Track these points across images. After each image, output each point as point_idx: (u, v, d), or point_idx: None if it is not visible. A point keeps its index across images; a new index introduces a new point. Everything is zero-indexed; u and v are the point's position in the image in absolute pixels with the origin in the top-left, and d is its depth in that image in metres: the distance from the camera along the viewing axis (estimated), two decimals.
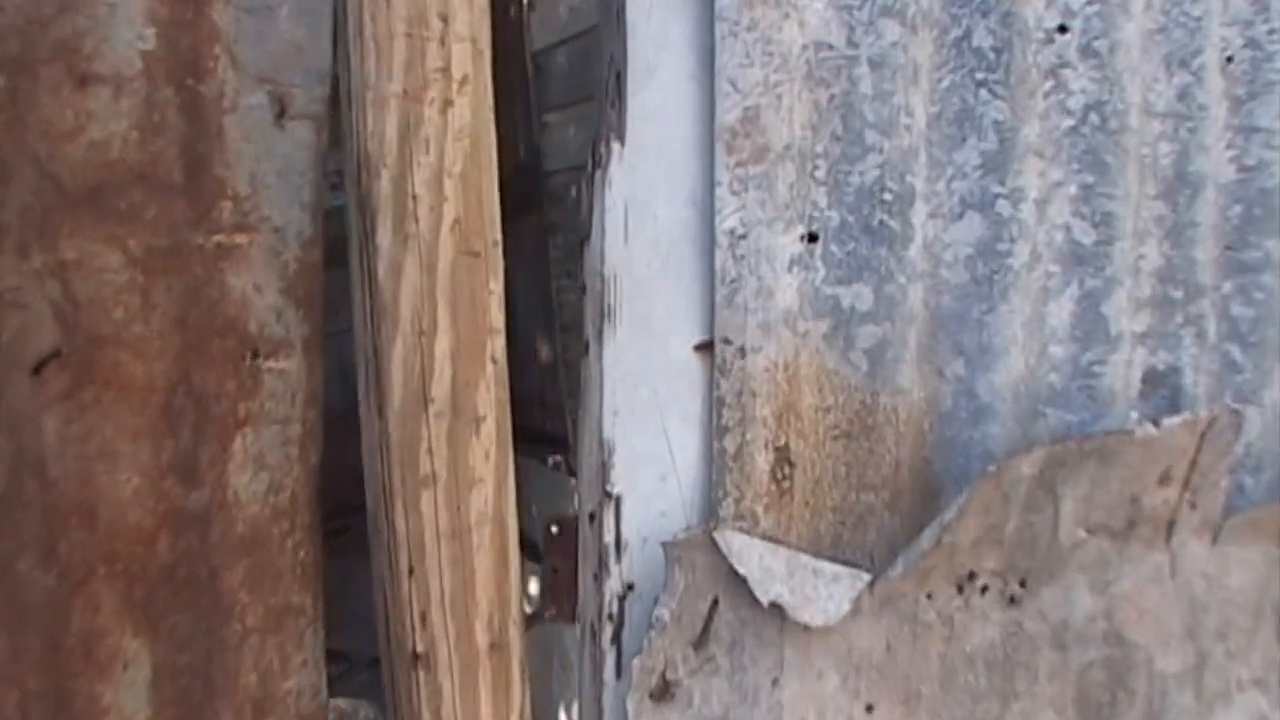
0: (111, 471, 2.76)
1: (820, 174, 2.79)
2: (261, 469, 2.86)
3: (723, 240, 2.74)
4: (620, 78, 2.75)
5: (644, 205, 2.75)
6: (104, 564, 2.82)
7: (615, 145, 2.72)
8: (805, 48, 2.78)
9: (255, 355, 2.79)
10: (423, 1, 2.64)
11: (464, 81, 2.64)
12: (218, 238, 2.75)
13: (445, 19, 2.65)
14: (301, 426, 2.86)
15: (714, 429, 2.78)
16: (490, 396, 2.74)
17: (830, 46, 2.78)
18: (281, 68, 2.71)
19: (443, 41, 2.64)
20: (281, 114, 2.71)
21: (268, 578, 2.99)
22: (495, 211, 2.71)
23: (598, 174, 2.72)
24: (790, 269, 2.78)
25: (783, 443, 2.81)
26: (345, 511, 3.15)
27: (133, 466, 2.79)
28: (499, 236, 2.71)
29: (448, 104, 2.64)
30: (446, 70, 2.64)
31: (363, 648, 3.19)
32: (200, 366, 2.81)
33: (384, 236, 2.64)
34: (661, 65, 2.77)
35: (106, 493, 2.77)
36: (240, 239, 2.77)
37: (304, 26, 2.68)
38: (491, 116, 2.69)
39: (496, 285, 2.71)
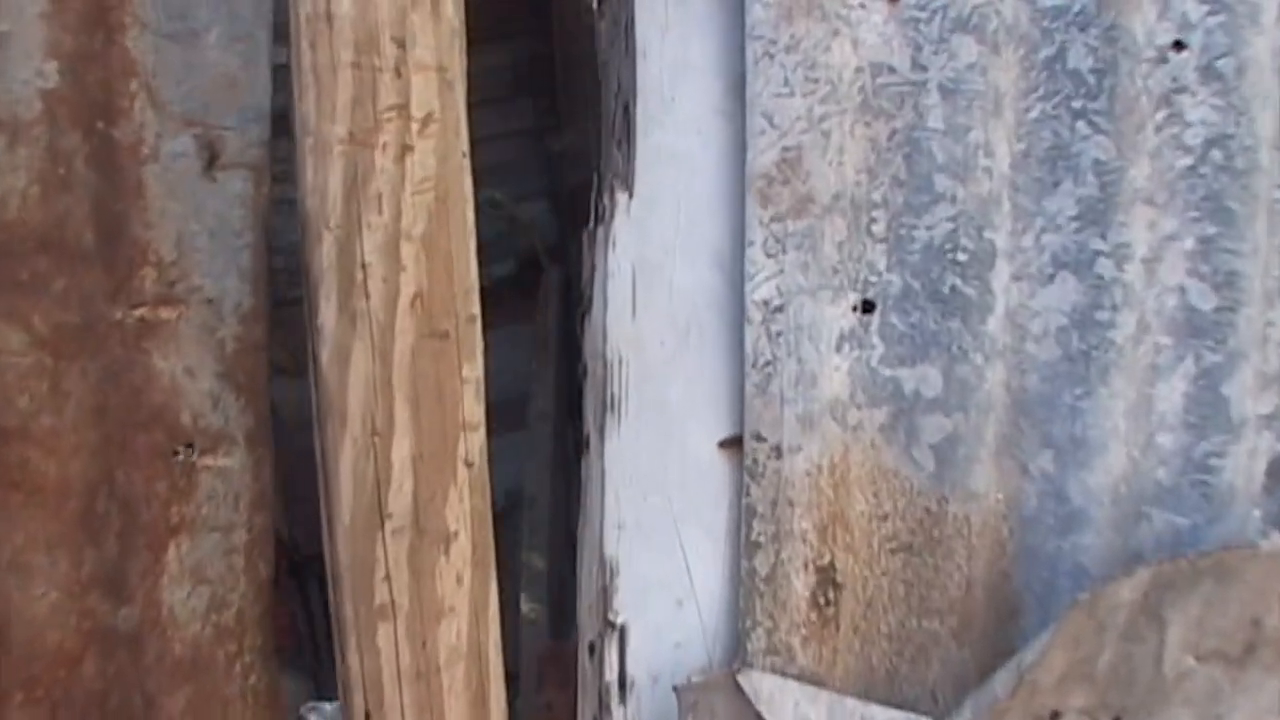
0: (25, 586, 2.30)
1: (878, 229, 2.09)
2: (201, 583, 2.27)
3: (755, 313, 2.06)
4: (629, 111, 2.06)
5: (657, 270, 2.07)
6: (21, 690, 2.34)
7: (621, 196, 2.04)
8: (860, 71, 2.07)
9: (189, 451, 2.19)
10: (373, 22, 1.95)
11: (427, 121, 1.96)
12: (140, 312, 2.13)
13: (402, 43, 1.97)
14: (247, 534, 2.22)
15: (742, 545, 2.11)
16: (463, 508, 2.07)
17: (891, 70, 2.08)
18: (211, 106, 2.05)
19: (398, 72, 1.97)
20: (212, 162, 2.06)
21: (213, 707, 2.35)
22: (471, 281, 2.04)
23: (599, 231, 2.05)
24: (839, 347, 2.09)
25: (826, 560, 2.13)
26: None
27: (50, 580, 2.31)
28: (476, 311, 2.03)
29: (405, 150, 1.97)
30: (404, 108, 1.97)
31: None
32: (125, 464, 2.32)
33: (327, 315, 1.98)
34: (680, 96, 2.07)
35: (20, 609, 2.30)
36: (166, 313, 2.13)
37: (236, 55, 2.03)
38: (466, 164, 2.00)
39: (472, 371, 2.03)
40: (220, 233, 2.13)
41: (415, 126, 2.04)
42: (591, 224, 2.13)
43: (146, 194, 2.15)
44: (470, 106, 2.18)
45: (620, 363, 2.14)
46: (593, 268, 2.12)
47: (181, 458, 2.23)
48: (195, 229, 2.16)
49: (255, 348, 2.16)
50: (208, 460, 2.23)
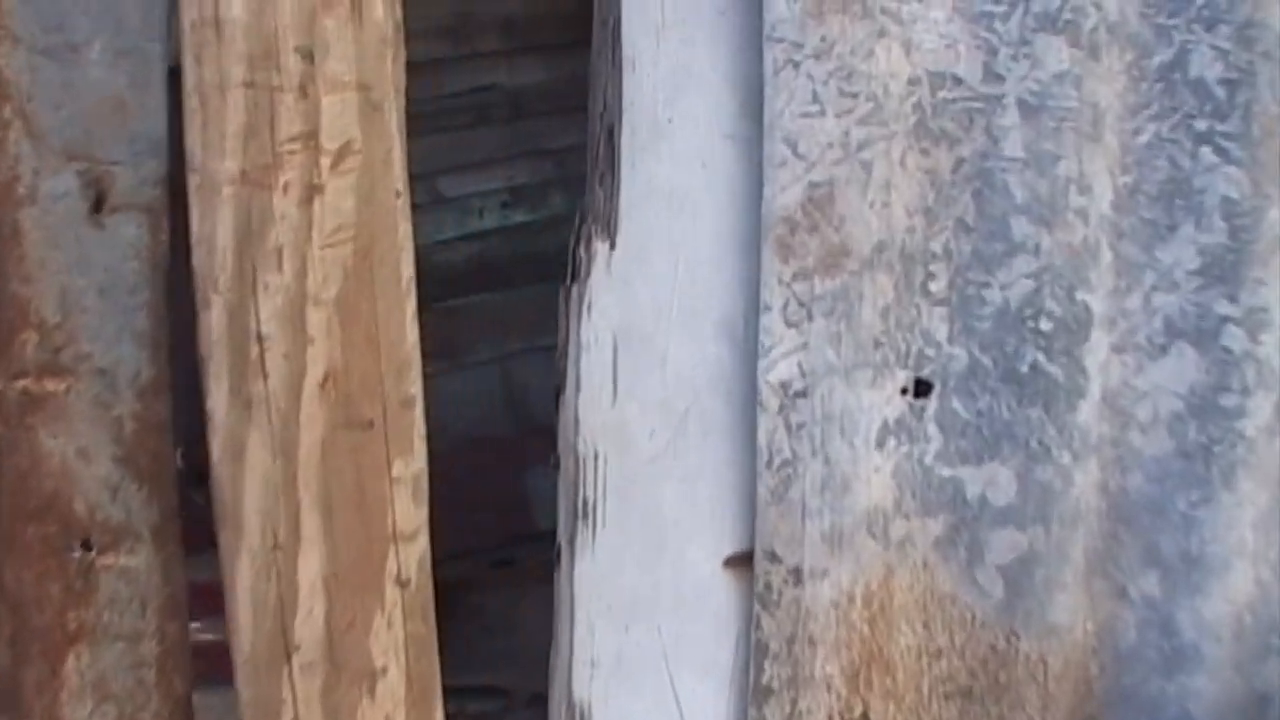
0: None
1: (937, 288, 1.49)
2: (105, 699, 1.95)
3: (771, 398, 1.48)
4: (613, 136, 1.48)
5: (646, 341, 1.50)
6: None
7: (600, 245, 1.49)
8: (914, 84, 1.47)
9: (87, 547, 1.82)
10: (272, 29, 1.42)
11: (344, 153, 1.43)
12: (22, 383, 1.80)
13: (310, 55, 1.45)
14: (158, 645, 1.74)
15: (750, 691, 1.56)
16: (393, 637, 1.56)
17: (956, 81, 1.47)
18: (96, 135, 1.56)
19: (304, 91, 1.44)
20: (99, 204, 1.56)
21: None
22: (406, 355, 1.52)
23: (574, 291, 1.46)
24: (882, 442, 1.50)
25: (858, 712, 1.56)
26: (510, 542, 2.84)
27: None
28: (414, 392, 1.49)
29: (313, 190, 1.44)
30: (312, 136, 1.44)
31: (522, 683, 2.80)
32: (13, 561, 1.85)
33: (217, 400, 1.46)
34: (679, 116, 1.50)
35: None
36: (53, 385, 1.67)
37: (124, 73, 1.53)
38: (401, 206, 1.46)
39: (408, 467, 1.51)
40: (111, 290, 1.62)
41: (326, 160, 1.51)
42: (566, 280, 1.56)
43: (24, 243, 1.67)
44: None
45: (597, 459, 1.58)
46: (566, 337, 1.55)
47: (78, 555, 1.73)
48: (82, 285, 1.65)
49: (158, 428, 1.65)
50: (108, 559, 1.73)
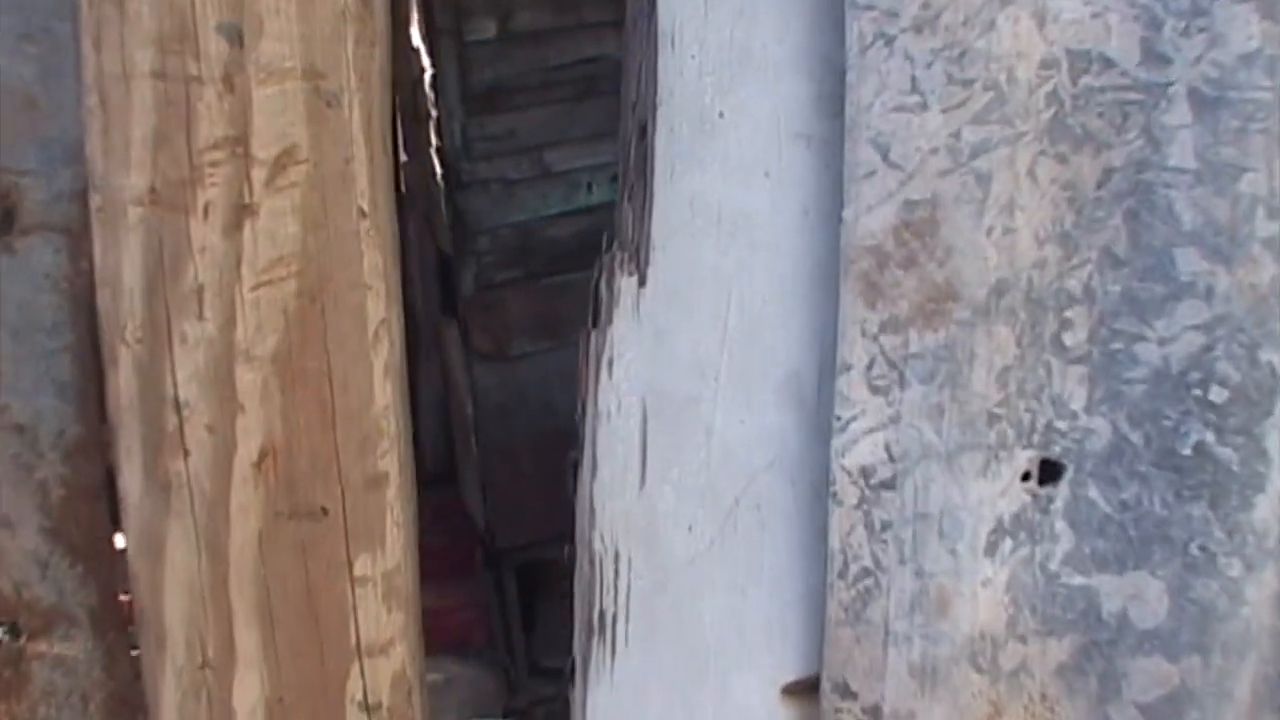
0: None
1: (1074, 341, 0.96)
2: None
3: (849, 488, 0.97)
4: (646, 137, 0.96)
5: (685, 408, 1.00)
6: None
7: (627, 282, 1.00)
8: (1050, 67, 0.93)
9: (14, 632, 1.44)
10: (185, 1, 0.88)
11: (284, 163, 0.96)
12: None
13: (236, 35, 0.95)
14: None
15: None
16: None
17: (1106, 63, 0.94)
18: (1, 140, 1.04)
19: (230, 82, 0.94)
20: (7, 224, 1.07)
21: None
22: (375, 419, 1.02)
23: (592, 340, 0.96)
24: (994, 546, 1.00)
25: None
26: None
27: None
28: (388, 468, 1.02)
29: (243, 213, 0.96)
30: (241, 141, 0.93)
31: None
32: None
33: (129, 481, 1.00)
34: (735, 109, 0.99)
35: None
36: None
37: (33, 63, 1.01)
38: (367, 228, 0.96)
39: (376, 564, 1.04)
40: (26, 330, 1.19)
41: (260, 173, 1.07)
42: (588, 325, 1.08)
43: None
44: None
45: (618, 560, 1.12)
46: (584, 399, 1.08)
47: (5, 640, 1.31)
48: None
49: (90, 494, 1.22)
50: (40, 645, 1.33)
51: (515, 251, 4.00)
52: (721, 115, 1.17)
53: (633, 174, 1.18)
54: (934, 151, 1.13)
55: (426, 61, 4.13)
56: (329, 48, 1.11)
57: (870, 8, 1.13)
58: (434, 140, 4.08)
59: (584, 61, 3.77)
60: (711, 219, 1.16)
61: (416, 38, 4.31)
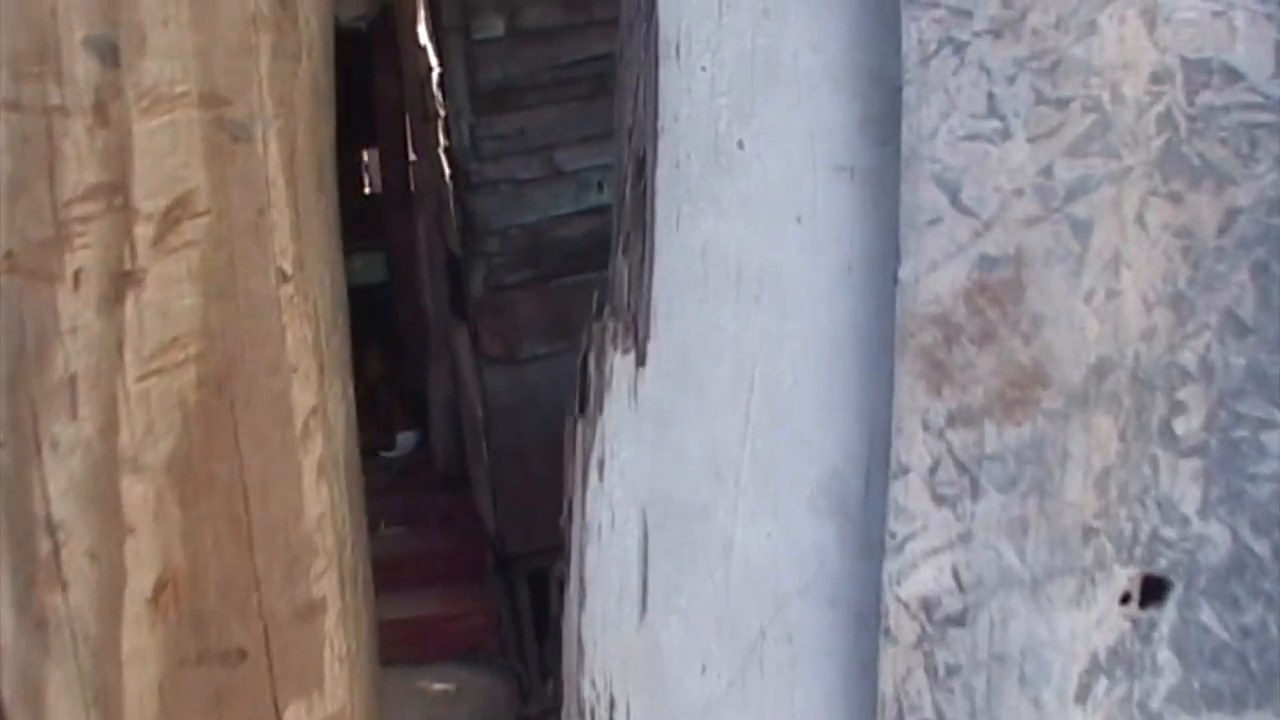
0: None
1: (1187, 429, 0.72)
2: None
3: (906, 623, 0.73)
4: (644, 172, 0.61)
5: (696, 519, 0.67)
6: None
7: (622, 360, 0.63)
8: (1163, 81, 0.61)
9: None
10: (45, 9, 0.54)
11: (175, 215, 0.63)
12: None
13: (109, 51, 0.60)
14: None
15: None
16: None
17: (1232, 75, 0.63)
18: None
19: (103, 113, 0.60)
20: None
21: None
22: (306, 537, 0.64)
23: (579, 434, 0.61)
24: (1087, 690, 0.82)
25: None
26: None
27: None
28: (324, 594, 0.67)
29: (126, 281, 0.62)
30: (120, 189, 0.59)
31: None
32: None
33: (2, 618, 0.63)
34: (758, 137, 0.66)
35: None
36: None
37: None
38: (289, 292, 0.61)
39: (312, 713, 0.66)
40: None
41: (146, 231, 0.73)
42: (574, 413, 0.77)
43: None
44: None
45: (614, 707, 0.81)
46: (569, 514, 0.77)
47: None
48: None
49: None
50: None
51: (525, 253, 3.75)
52: (741, 145, 0.87)
53: (629, 219, 0.88)
54: (1018, 193, 0.83)
55: (434, 60, 3.87)
56: (235, 65, 0.82)
57: (934, 5, 0.83)
58: (442, 140, 3.83)
59: (594, 59, 3.51)
60: (729, 277, 0.87)
61: (423, 36, 4.05)
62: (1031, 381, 0.87)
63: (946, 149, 0.86)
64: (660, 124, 0.88)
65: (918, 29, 0.87)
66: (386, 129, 4.62)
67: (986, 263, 0.86)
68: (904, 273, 0.88)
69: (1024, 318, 0.86)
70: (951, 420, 0.87)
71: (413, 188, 4.54)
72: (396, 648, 4.04)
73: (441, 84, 3.46)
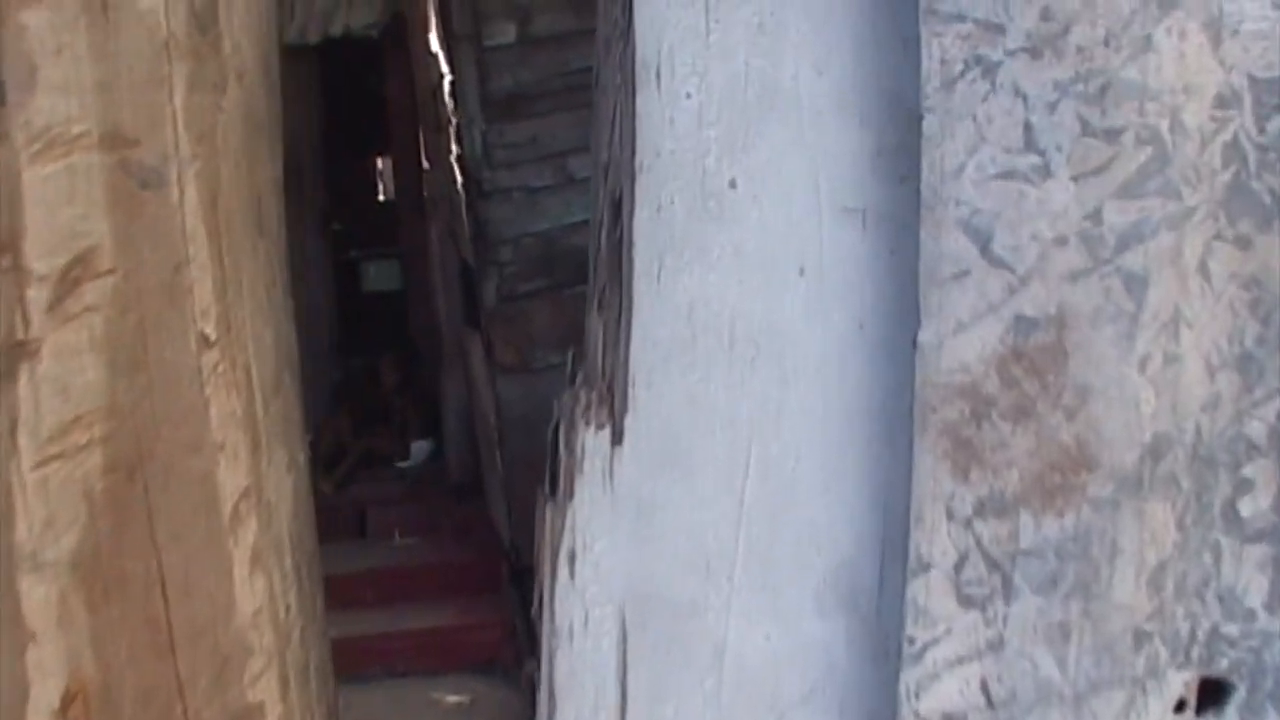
0: None
1: (1252, 510, 0.69)
2: None
3: None
4: (622, 217, 0.46)
5: (682, 619, 0.52)
6: None
7: (596, 437, 0.47)
8: (1229, 106, 0.57)
9: None
10: None
11: (75, 276, 0.79)
12: None
13: None
14: None
15: None
16: None
17: None
18: None
19: None
20: None
21: None
22: (240, 635, 0.50)
23: (548, 520, 0.46)
24: None
25: None
26: None
27: None
28: (262, 697, 0.51)
29: (18, 354, 0.77)
30: (7, 248, 0.68)
31: None
32: None
33: None
34: (753, 175, 0.50)
35: None
36: None
37: None
38: (211, 360, 0.46)
39: None
40: None
41: (40, 294, 0.59)
42: (540, 501, 0.62)
43: None
44: None
45: None
46: (539, 596, 0.62)
47: None
48: None
49: None
50: None
51: (538, 261, 3.64)
52: (733, 184, 0.73)
53: (604, 271, 0.74)
54: (1061, 242, 0.69)
55: (445, 67, 3.76)
56: (143, 99, 0.69)
57: (959, 18, 0.69)
58: (454, 148, 3.71)
59: None
60: (720, 339, 0.73)
61: (435, 43, 3.93)
62: (1075, 465, 0.73)
63: (975, 189, 0.72)
64: (639, 161, 0.74)
65: (940, 46, 0.73)
66: (399, 136, 4.51)
67: (1023, 324, 0.72)
68: (925, 335, 0.74)
69: (1067, 389, 0.72)
70: (981, 509, 0.73)
71: (425, 195, 4.44)
72: (411, 659, 3.95)
73: (453, 91, 3.35)
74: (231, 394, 0.76)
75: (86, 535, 0.73)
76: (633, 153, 0.74)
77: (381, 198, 5.96)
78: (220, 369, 0.76)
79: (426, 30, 3.67)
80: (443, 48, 3.52)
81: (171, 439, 0.74)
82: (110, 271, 0.72)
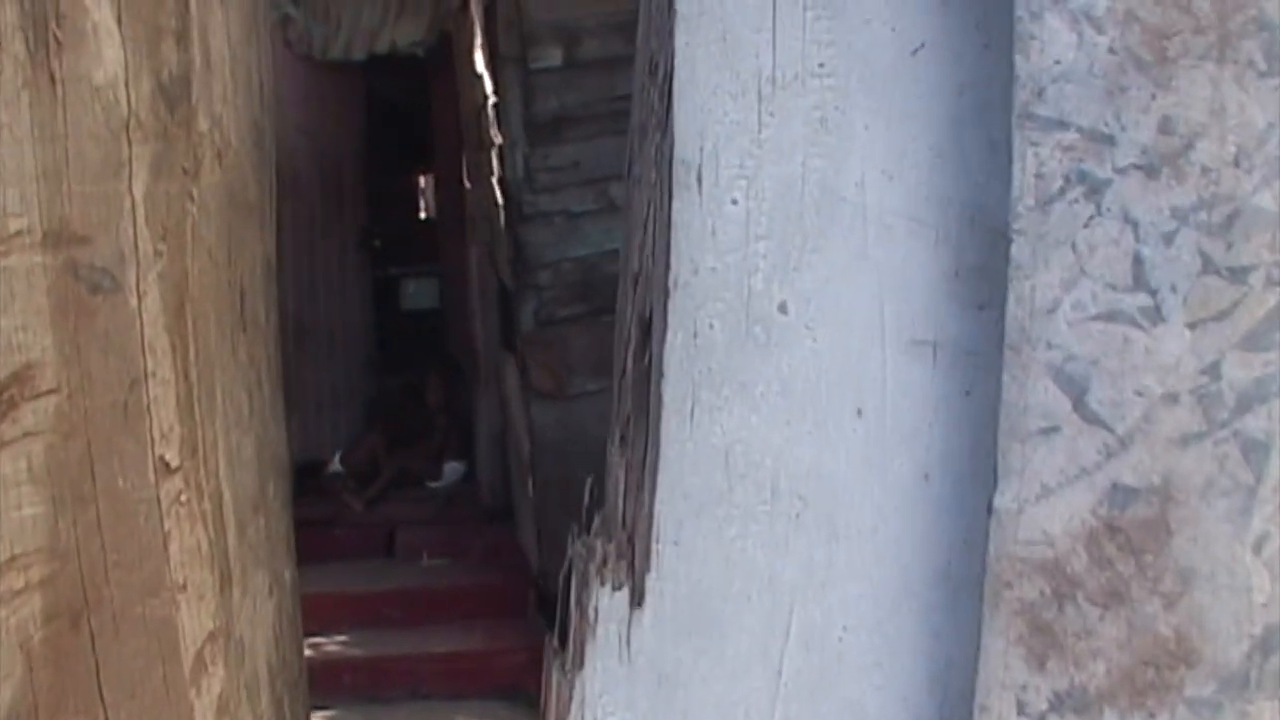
0: None
1: None
2: None
3: None
4: (650, 340, 0.33)
5: None
6: None
7: (613, 598, 0.41)
8: None
9: None
10: None
11: (11, 397, 0.71)
12: None
13: None
14: None
15: None
16: None
17: None
18: None
19: None
20: None
21: None
22: None
23: (553, 690, 0.34)
24: None
25: None
26: None
27: None
28: None
29: None
30: None
31: None
32: None
33: None
34: (804, 298, 0.49)
35: None
36: None
37: None
38: (171, 489, 0.37)
39: None
40: None
41: None
42: (550, 656, 0.50)
43: None
44: None
45: None
46: None
47: None
48: None
49: None
50: None
51: (577, 287, 3.55)
52: (784, 308, 0.62)
53: (629, 399, 0.63)
54: (1171, 399, 0.57)
55: (490, 88, 3.67)
56: (97, 189, 0.58)
57: (1061, 125, 0.57)
58: (496, 169, 3.63)
59: None
60: (761, 489, 0.61)
61: (480, 64, 3.84)
62: (1173, 659, 0.60)
63: (1071, 330, 0.60)
64: (674, 277, 0.63)
65: (1036, 157, 0.61)
66: (442, 155, 4.43)
67: (1120, 494, 0.60)
68: (1003, 498, 0.62)
69: (1168, 572, 0.60)
70: (1058, 703, 0.61)
71: (466, 215, 4.36)
72: (436, 682, 3.85)
73: (497, 112, 3.27)
74: (197, 526, 0.65)
75: (22, 691, 0.62)
76: (666, 266, 0.63)
77: (423, 216, 5.88)
78: (184, 498, 0.65)
79: (473, 50, 3.58)
80: (488, 69, 3.43)
81: (124, 582, 0.63)
82: (53, 391, 0.61)
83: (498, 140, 3.32)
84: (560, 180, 3.30)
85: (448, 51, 3.94)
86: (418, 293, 4.51)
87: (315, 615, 3.89)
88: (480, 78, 3.52)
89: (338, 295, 4.12)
